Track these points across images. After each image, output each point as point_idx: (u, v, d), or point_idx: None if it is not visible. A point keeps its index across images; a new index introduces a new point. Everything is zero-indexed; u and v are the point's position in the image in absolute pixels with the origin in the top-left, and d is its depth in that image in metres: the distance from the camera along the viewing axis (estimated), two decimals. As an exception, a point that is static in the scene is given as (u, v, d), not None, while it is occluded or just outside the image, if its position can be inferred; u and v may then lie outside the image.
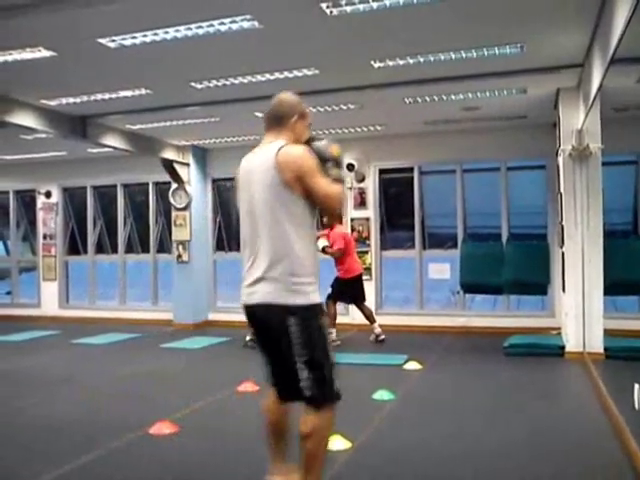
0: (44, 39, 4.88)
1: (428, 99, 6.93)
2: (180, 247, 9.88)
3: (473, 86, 6.42)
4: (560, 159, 6.76)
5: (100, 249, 11.05)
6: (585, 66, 5.67)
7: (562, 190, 6.75)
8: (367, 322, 7.94)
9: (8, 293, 11.94)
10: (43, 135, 7.99)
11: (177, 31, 4.68)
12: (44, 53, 5.13)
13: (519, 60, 5.56)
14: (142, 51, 5.07)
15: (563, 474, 3.46)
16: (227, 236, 10.41)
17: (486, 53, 5.35)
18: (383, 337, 7.78)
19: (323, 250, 7.80)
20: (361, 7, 4.31)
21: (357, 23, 4.62)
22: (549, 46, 5.26)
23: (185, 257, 9.85)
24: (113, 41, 4.88)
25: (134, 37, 4.80)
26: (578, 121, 6.45)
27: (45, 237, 11.17)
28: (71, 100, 6.77)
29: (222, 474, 3.51)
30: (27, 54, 5.15)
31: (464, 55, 5.40)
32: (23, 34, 4.74)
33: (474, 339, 8.14)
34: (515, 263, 8.09)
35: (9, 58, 5.23)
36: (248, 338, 7.55)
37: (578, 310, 6.47)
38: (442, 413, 4.69)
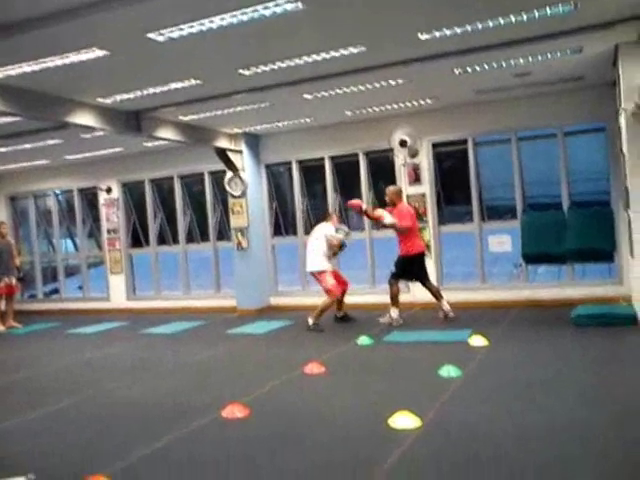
0: (97, 39, 5.01)
1: (478, 68, 6.76)
2: (239, 234, 10.03)
3: (524, 50, 6.21)
4: (622, 119, 6.49)
5: (162, 240, 11.34)
6: (647, 17, 5.39)
7: (625, 151, 6.48)
8: (434, 299, 7.85)
9: (79, 288, 12.43)
10: (101, 132, 8.24)
11: (222, 19, 4.72)
12: (98, 53, 5.28)
13: (573, 18, 5.33)
14: (189, 42, 5.14)
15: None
16: (284, 221, 10.50)
17: (537, 15, 5.16)
18: (452, 314, 7.67)
19: (389, 225, 7.77)
20: (405, -21, 4.23)
21: (402, -4, 4.54)
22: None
23: (244, 244, 10.00)
24: (161, 35, 4.96)
25: (181, 29, 4.86)
26: (640, 77, 6.16)
27: (109, 232, 11.54)
28: (125, 96, 6.94)
29: (292, 454, 3.57)
30: (82, 55, 5.31)
31: (513, 19, 5.23)
32: (78, 36, 4.89)
33: (539, 311, 7.98)
34: (578, 231, 7.85)
35: (66, 61, 5.42)
36: (311, 322, 7.64)
37: (649, 275, 6.23)
38: (511, 389, 4.62)
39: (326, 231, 8.00)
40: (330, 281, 7.83)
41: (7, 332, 9.88)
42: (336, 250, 8.05)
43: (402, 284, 8.04)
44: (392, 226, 7.71)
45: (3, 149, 9.51)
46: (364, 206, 8.03)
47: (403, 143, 8.79)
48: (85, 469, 3.35)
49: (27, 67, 5.56)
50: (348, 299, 8.39)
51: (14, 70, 5.64)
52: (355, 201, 8.14)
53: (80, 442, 4.02)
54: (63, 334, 9.20)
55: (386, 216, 7.76)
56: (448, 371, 5.04)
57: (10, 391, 5.70)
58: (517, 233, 8.45)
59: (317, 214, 9.97)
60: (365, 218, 8.84)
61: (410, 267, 7.76)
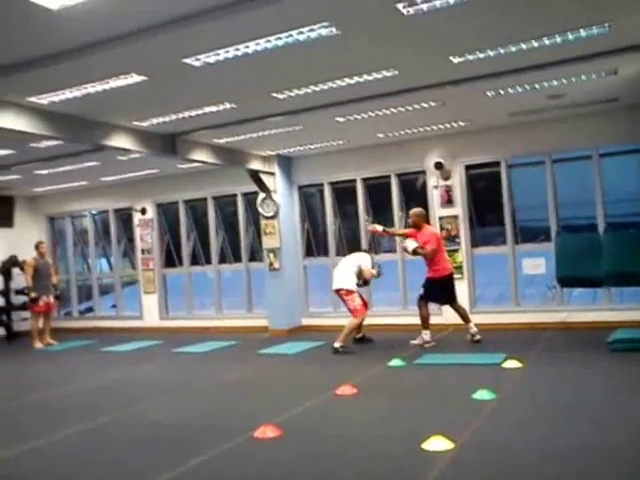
0: (135, 65, 5.17)
1: (511, 90, 6.76)
2: (271, 255, 10.10)
3: (558, 72, 6.19)
4: (659, 141, 6.40)
5: (195, 260, 11.48)
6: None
7: (663, 173, 6.38)
8: (462, 322, 7.79)
9: (113, 306, 12.63)
10: (137, 155, 8.43)
11: (257, 44, 4.82)
12: (136, 78, 5.43)
13: (608, 40, 5.30)
14: (225, 67, 5.26)
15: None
16: (315, 242, 10.55)
17: (571, 37, 5.15)
18: (479, 337, 7.59)
19: (414, 252, 7.75)
20: (437, 3, 4.27)
21: (434, 20, 4.59)
22: (641, 21, 4.98)
23: (276, 264, 10.06)
24: (198, 60, 5.09)
25: (217, 54, 4.98)
26: (677, 99, 6.08)
27: (143, 252, 11.73)
28: (161, 120, 7.10)
29: (324, 475, 3.56)
30: (121, 81, 5.48)
31: (547, 42, 5.22)
32: (117, 63, 5.04)
33: (575, 334, 7.83)
34: (615, 254, 7.68)
35: (106, 86, 5.60)
36: (337, 345, 7.61)
37: (689, 299, 6.08)
38: (545, 413, 4.54)
39: (362, 261, 8.05)
40: (357, 301, 7.84)
41: (44, 349, 10.08)
42: (362, 283, 8.08)
43: (433, 306, 7.98)
44: (417, 252, 7.71)
45: (44, 171, 9.79)
46: (380, 228, 8.05)
47: (438, 165, 8.79)
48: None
49: (69, 93, 5.76)
50: (379, 321, 8.35)
51: (57, 96, 5.85)
52: (371, 227, 8.26)
53: (110, 462, 4.07)
54: (98, 352, 9.35)
55: (409, 244, 7.78)
56: (482, 394, 4.98)
57: (43, 408, 5.80)
58: (550, 255, 8.33)
59: (349, 235, 10.01)
60: (395, 237, 8.97)
61: (437, 290, 7.71)
